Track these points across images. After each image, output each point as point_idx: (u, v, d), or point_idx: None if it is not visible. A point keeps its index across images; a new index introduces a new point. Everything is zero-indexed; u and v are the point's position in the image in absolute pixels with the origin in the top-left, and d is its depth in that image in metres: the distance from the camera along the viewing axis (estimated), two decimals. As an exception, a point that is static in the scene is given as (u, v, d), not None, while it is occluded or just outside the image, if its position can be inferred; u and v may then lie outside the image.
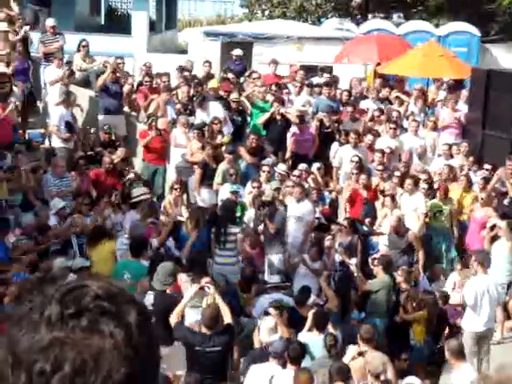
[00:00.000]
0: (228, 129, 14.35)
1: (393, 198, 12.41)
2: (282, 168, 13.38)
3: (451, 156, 14.38)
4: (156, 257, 10.18)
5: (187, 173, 13.66)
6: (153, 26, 24.32)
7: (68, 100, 14.45)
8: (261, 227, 11.88)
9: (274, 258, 11.59)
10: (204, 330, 8.26)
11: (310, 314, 9.29)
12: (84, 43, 16.24)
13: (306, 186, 12.78)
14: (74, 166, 13.47)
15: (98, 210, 12.14)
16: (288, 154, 14.55)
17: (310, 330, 9.21)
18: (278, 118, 14.56)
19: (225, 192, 12.53)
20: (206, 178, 13.29)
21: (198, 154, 13.63)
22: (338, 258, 11.50)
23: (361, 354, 8.68)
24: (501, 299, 10.52)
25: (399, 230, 11.81)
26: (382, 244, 12.19)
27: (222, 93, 15.19)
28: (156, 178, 14.18)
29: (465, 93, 16.13)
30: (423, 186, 12.67)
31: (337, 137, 14.78)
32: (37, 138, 15.05)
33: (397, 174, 13.19)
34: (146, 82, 15.85)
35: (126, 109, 15.61)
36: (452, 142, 14.87)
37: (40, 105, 16.02)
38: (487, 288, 9.96)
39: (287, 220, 12.01)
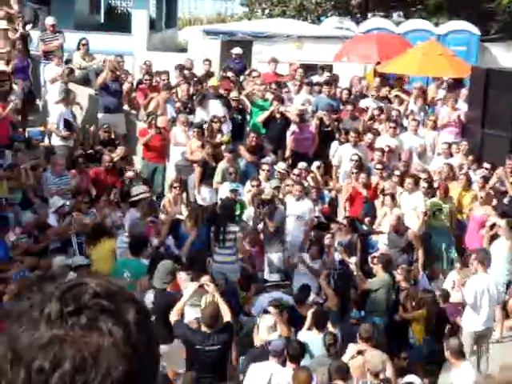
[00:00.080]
0: (228, 127, 14.35)
1: (392, 196, 12.40)
2: (281, 166, 13.38)
3: (451, 155, 14.37)
4: (156, 255, 10.18)
5: (187, 171, 13.66)
6: (153, 25, 24.26)
7: (67, 98, 14.44)
8: (260, 225, 11.89)
9: (274, 256, 11.58)
10: (204, 328, 8.26)
11: (310, 313, 9.29)
12: (84, 41, 16.24)
13: (306, 184, 12.78)
14: (74, 164, 13.47)
15: (97, 208, 12.14)
16: (288, 153, 14.56)
17: (309, 328, 9.21)
18: (278, 116, 14.55)
19: (224, 190, 12.53)
20: (206, 177, 13.29)
21: (197, 153, 13.63)
22: (337, 256, 11.50)
23: (360, 352, 8.68)
24: (500, 298, 10.52)
25: (399, 228, 11.82)
26: (381, 243, 12.19)
27: (221, 91, 15.16)
28: (156, 176, 14.17)
29: (464, 92, 16.12)
30: (423, 184, 12.66)
31: (336, 135, 14.78)
32: (36, 136, 15.01)
33: (396, 172, 13.19)
34: (146, 80, 15.85)
35: (125, 107, 15.60)
36: (452, 140, 14.85)
37: (40, 103, 16.01)
38: (487, 287, 9.95)
39: (287, 218, 12.02)
